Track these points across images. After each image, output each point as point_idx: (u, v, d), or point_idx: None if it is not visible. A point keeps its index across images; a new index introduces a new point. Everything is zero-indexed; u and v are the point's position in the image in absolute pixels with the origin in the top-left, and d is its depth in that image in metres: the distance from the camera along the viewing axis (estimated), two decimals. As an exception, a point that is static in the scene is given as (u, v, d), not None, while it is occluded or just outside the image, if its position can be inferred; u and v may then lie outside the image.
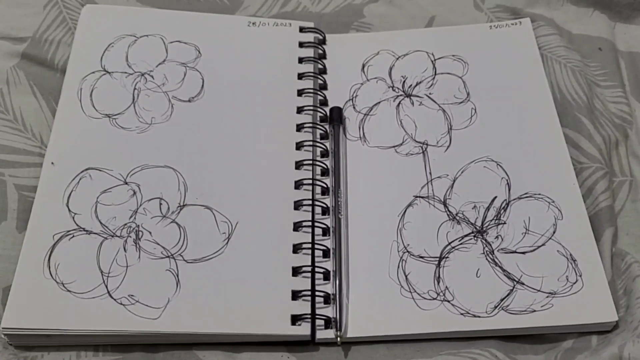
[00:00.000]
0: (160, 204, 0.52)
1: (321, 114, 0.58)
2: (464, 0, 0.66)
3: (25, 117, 0.57)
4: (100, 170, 0.53)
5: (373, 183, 0.54)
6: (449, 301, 0.49)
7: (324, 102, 0.59)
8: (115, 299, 0.47)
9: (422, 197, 0.53)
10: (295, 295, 0.49)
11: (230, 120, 0.56)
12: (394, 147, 0.56)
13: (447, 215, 0.52)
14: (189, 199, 0.52)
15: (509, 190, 0.53)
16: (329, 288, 0.49)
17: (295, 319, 0.48)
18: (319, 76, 0.60)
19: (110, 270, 0.49)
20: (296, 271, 0.50)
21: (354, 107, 0.59)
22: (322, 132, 0.57)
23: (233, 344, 0.48)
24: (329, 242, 0.51)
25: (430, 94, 0.59)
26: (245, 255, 0.50)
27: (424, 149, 0.56)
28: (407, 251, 0.51)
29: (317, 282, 0.49)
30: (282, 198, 0.52)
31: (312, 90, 0.58)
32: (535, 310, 0.48)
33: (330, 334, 0.48)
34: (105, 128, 0.55)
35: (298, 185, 0.53)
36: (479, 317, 0.48)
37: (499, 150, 0.55)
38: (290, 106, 0.57)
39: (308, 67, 0.60)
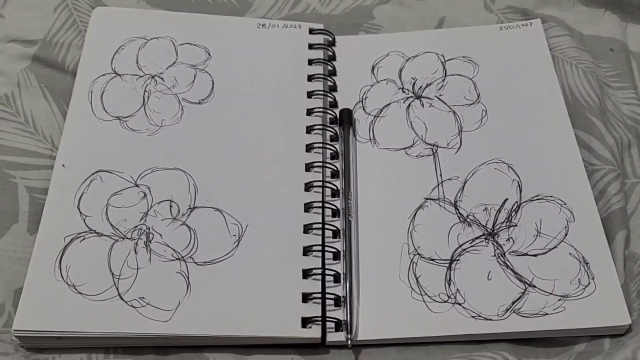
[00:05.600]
0: (171, 206, 0.52)
1: (331, 116, 0.58)
2: (474, 1, 0.66)
3: (36, 120, 0.57)
4: (110, 173, 0.53)
5: (383, 185, 0.54)
6: (460, 304, 0.48)
7: (334, 104, 0.59)
8: (126, 301, 0.48)
9: (432, 199, 0.53)
10: (306, 297, 0.48)
11: (240, 122, 0.56)
12: (404, 149, 0.56)
13: (458, 217, 0.52)
14: (199, 201, 0.52)
15: (520, 192, 0.53)
16: (339, 290, 0.49)
17: (306, 322, 0.48)
18: (329, 78, 0.60)
19: (121, 272, 0.49)
20: (306, 273, 0.49)
21: (364, 109, 0.59)
22: (332, 134, 0.57)
23: (243, 346, 0.48)
24: (339, 245, 0.51)
25: (440, 95, 0.59)
26: (255, 257, 0.50)
27: (434, 151, 0.56)
28: (418, 253, 0.51)
29: (327, 284, 0.49)
30: (292, 200, 0.52)
31: (321, 92, 0.58)
32: (547, 314, 0.48)
33: (340, 336, 0.48)
34: (115, 130, 0.55)
35: (308, 187, 0.53)
36: (491, 320, 0.48)
37: (510, 152, 0.55)
38: (300, 108, 0.57)
39: (318, 69, 0.60)
